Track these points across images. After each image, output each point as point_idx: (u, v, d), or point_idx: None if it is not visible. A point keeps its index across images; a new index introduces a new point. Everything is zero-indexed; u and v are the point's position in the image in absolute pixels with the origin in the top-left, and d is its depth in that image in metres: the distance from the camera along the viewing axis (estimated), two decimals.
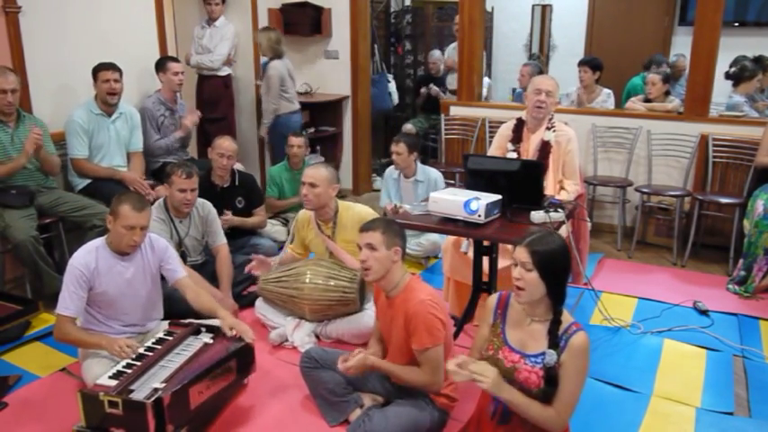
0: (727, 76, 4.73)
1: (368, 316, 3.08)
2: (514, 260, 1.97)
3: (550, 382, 1.92)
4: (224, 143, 3.90)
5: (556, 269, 1.93)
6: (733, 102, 4.62)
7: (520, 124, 3.41)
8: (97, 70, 3.84)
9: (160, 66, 4.37)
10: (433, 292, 2.37)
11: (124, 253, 2.68)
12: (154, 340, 2.64)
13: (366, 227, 2.40)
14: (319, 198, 3.15)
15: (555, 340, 1.93)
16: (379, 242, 2.33)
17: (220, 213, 3.69)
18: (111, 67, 3.85)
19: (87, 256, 2.62)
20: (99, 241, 2.70)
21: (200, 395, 2.37)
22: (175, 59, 4.44)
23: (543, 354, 1.94)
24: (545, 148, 3.28)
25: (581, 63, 5.19)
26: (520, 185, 2.88)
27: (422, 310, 2.26)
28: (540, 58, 7.44)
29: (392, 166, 4.37)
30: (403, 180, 4.30)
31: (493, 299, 2.16)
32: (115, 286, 2.66)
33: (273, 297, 3.23)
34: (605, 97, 5.12)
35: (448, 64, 6.19)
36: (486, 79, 5.69)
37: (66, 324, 2.58)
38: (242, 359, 2.58)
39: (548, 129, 3.30)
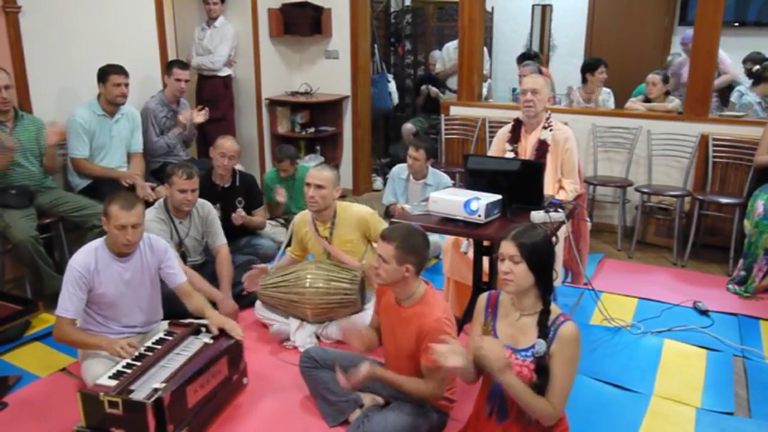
0: (749, 74, 4.71)
1: (369, 317, 3.07)
2: (501, 255, 2.01)
3: (541, 372, 1.95)
4: (226, 143, 3.89)
5: (542, 259, 2.00)
6: (744, 101, 4.61)
7: (517, 125, 3.42)
8: (107, 73, 3.80)
9: (168, 68, 4.37)
10: (447, 307, 2.36)
11: (123, 254, 2.68)
12: (154, 340, 2.65)
13: (384, 235, 2.33)
14: (325, 200, 3.14)
15: (544, 330, 1.97)
16: (390, 256, 2.27)
17: (222, 213, 3.68)
18: (122, 71, 3.83)
19: (87, 257, 2.62)
20: (98, 242, 2.70)
21: (196, 393, 2.40)
22: (184, 66, 4.40)
23: (533, 346, 1.98)
24: (542, 146, 3.29)
25: (602, 63, 5.10)
26: (520, 185, 2.88)
27: (437, 330, 2.20)
28: (537, 57, 7.42)
29: (401, 165, 4.37)
30: (412, 181, 4.30)
31: (483, 298, 2.20)
32: (114, 287, 2.66)
33: (274, 302, 3.22)
34: (606, 96, 5.13)
35: (448, 69, 6.15)
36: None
37: (66, 325, 2.58)
38: (232, 356, 2.64)
39: (544, 128, 3.31)
